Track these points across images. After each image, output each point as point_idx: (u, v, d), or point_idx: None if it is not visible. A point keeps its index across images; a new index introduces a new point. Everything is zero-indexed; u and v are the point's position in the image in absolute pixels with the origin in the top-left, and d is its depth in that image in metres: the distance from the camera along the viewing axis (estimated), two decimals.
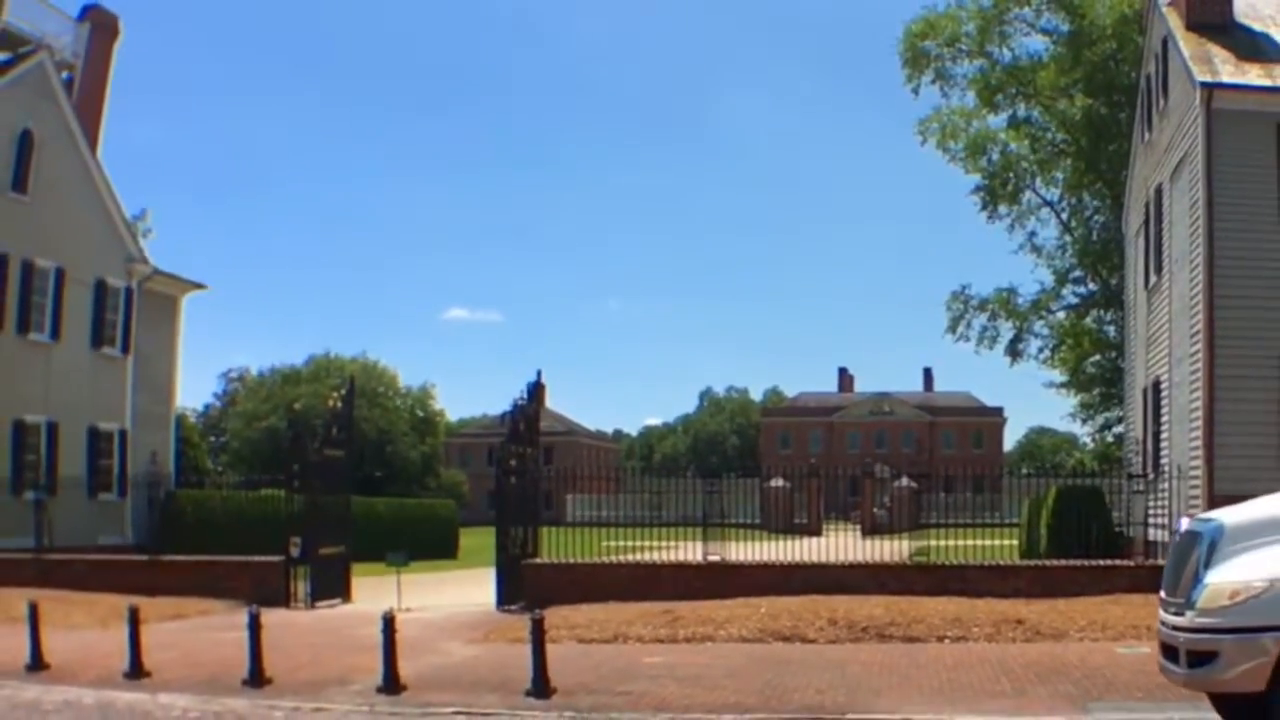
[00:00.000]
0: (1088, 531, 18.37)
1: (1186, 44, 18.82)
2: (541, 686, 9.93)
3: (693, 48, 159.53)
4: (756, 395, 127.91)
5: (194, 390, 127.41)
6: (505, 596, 17.11)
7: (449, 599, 18.39)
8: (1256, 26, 19.46)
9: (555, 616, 13.07)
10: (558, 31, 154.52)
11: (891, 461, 63.11)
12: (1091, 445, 47.30)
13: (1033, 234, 37.91)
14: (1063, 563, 17.03)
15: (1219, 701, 7.45)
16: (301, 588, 18.02)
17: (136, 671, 11.23)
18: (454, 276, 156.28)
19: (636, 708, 9.53)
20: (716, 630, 13.45)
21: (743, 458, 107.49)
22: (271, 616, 12.06)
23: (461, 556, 33.00)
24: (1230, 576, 6.79)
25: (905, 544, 19.89)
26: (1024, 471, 31.92)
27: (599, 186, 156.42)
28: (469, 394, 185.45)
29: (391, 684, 10.31)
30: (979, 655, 11.74)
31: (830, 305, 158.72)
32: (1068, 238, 37.32)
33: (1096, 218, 36.20)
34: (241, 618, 11.73)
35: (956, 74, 36.62)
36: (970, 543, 18.43)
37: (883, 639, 12.92)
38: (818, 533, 25.59)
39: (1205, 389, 17.37)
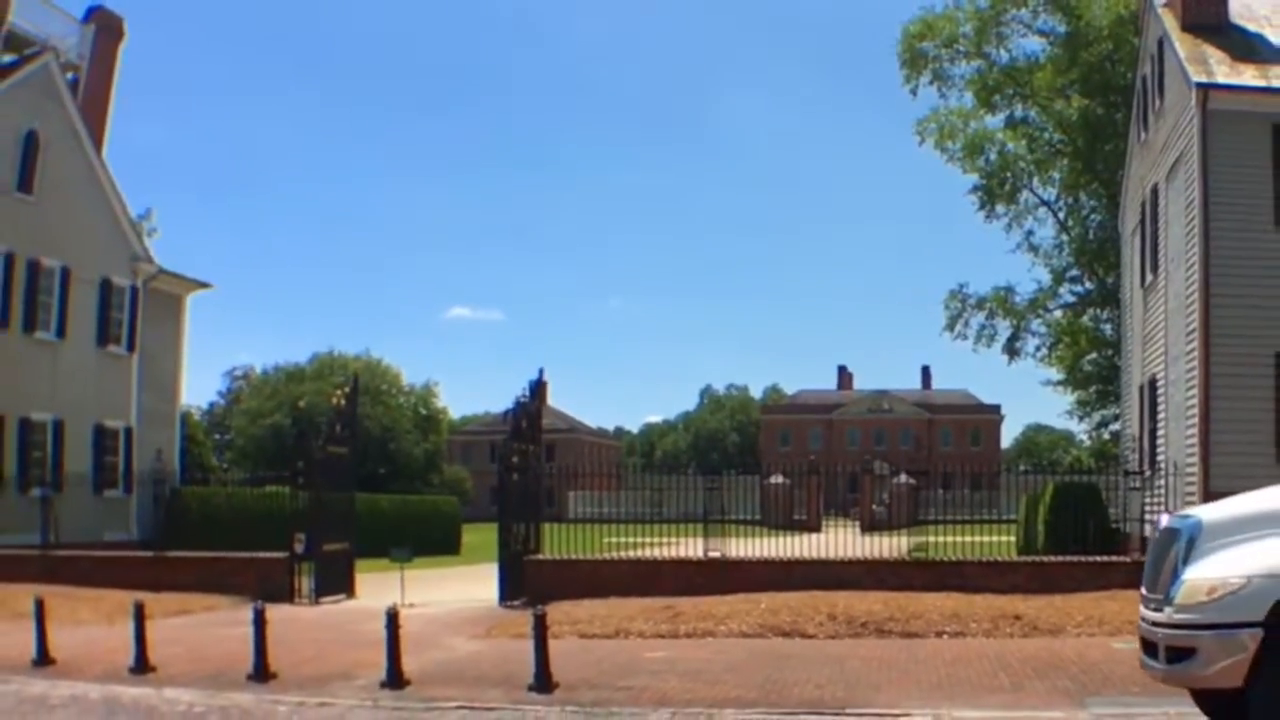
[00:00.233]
0: (1084, 528, 18.46)
1: (1182, 45, 18.86)
2: (544, 681, 9.96)
3: (693, 48, 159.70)
4: (756, 393, 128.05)
5: (199, 388, 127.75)
6: (508, 592, 17.14)
7: (452, 595, 18.39)
8: (1251, 27, 19.50)
9: (557, 612, 13.04)
10: (558, 32, 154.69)
11: (890, 458, 63.25)
12: (1088, 442, 47.45)
13: (1030, 233, 37.95)
14: (1060, 559, 17.08)
15: (1199, 696, 7.47)
16: (306, 583, 18.04)
17: (142, 667, 11.27)
18: (456, 275, 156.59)
19: (638, 702, 9.55)
20: (717, 625, 13.43)
21: (743, 455, 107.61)
22: (276, 612, 12.03)
23: (464, 553, 33.06)
24: (1208, 573, 6.77)
25: (904, 540, 19.88)
26: (1021, 468, 32.10)
27: (600, 186, 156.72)
28: (471, 392, 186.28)
29: (395, 679, 10.31)
30: (977, 650, 11.77)
31: (829, 304, 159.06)
32: (1064, 237, 37.34)
33: (1093, 217, 36.21)
34: (246, 613, 11.75)
35: (954, 75, 36.64)
36: (968, 539, 18.40)
37: (882, 634, 12.89)
38: (817, 529, 25.79)
39: (1201, 387, 17.43)
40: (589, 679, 10.42)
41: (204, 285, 32.78)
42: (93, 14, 29.70)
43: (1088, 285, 36.80)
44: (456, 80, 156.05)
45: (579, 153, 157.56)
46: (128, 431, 28.42)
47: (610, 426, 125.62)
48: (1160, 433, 20.50)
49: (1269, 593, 6.52)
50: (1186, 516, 7.30)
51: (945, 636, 12.78)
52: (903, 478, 38.80)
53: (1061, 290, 38.01)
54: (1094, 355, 36.82)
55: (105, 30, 29.84)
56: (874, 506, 37.82)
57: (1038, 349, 38.80)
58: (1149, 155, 22.31)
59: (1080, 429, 48.49)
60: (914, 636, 12.78)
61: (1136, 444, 23.00)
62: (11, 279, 25.11)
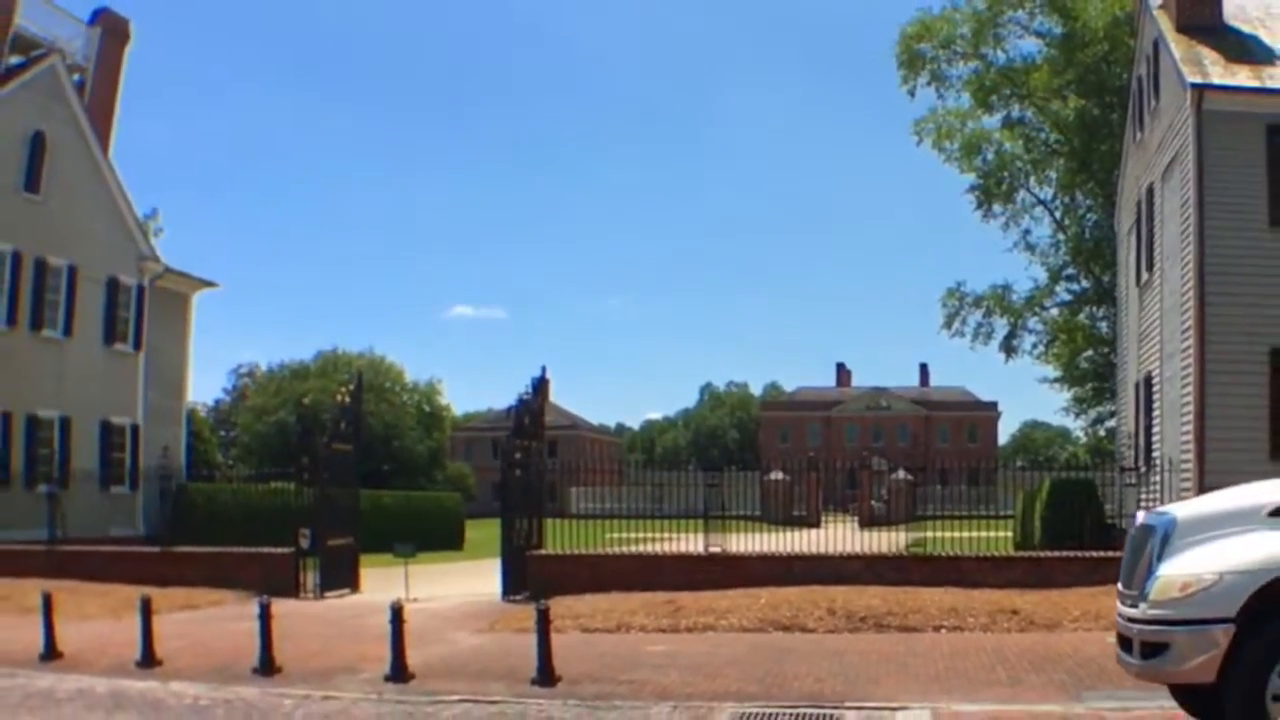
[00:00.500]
0: (1081, 523, 18.44)
1: (1177, 46, 18.97)
2: (547, 675, 10.02)
3: (693, 48, 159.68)
4: (756, 390, 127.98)
5: (205, 385, 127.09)
6: (510, 587, 17.23)
7: (455, 589, 18.46)
8: (1245, 29, 19.61)
9: (559, 606, 13.04)
10: (560, 32, 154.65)
11: (888, 455, 63.38)
12: (1084, 439, 47.70)
13: (1027, 232, 38.11)
14: (1056, 554, 17.09)
15: (1176, 691, 7.53)
16: (311, 578, 18.16)
17: (148, 660, 11.33)
18: (459, 274, 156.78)
19: (640, 696, 9.58)
20: (718, 620, 13.47)
21: (743, 451, 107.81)
22: (281, 606, 12.06)
23: (467, 548, 33.06)
24: (1181, 569, 6.77)
25: (902, 535, 19.96)
26: (1018, 465, 32.21)
27: (600, 185, 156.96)
28: (474, 389, 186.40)
29: (399, 672, 10.36)
30: (975, 644, 11.81)
31: (828, 302, 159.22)
32: (1061, 236, 37.47)
33: (1089, 216, 36.27)
34: (252, 608, 11.80)
35: (951, 75, 36.79)
36: (966, 534, 18.47)
37: (880, 628, 12.94)
38: (816, 524, 25.95)
39: (1196, 383, 17.55)
40: (591, 673, 10.46)
41: (210, 284, 32.89)
42: (99, 16, 29.81)
43: (1084, 283, 36.96)
44: (459, 80, 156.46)
45: (580, 152, 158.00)
46: (134, 428, 28.58)
47: (611, 423, 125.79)
48: (1156, 429, 20.59)
49: (1241, 589, 6.53)
50: (1161, 513, 7.31)
51: (943, 631, 12.79)
52: (901, 474, 39.00)
53: (1058, 288, 38.24)
54: (1090, 353, 37.01)
55: (111, 33, 29.95)
56: (872, 502, 38.00)
57: (1034, 346, 39.04)
58: (1144, 155, 22.40)
59: (1076, 425, 48.80)
60: (912, 631, 12.80)
61: (1132, 440, 23.08)
62: (19, 278, 25.26)
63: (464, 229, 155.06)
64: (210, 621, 14.89)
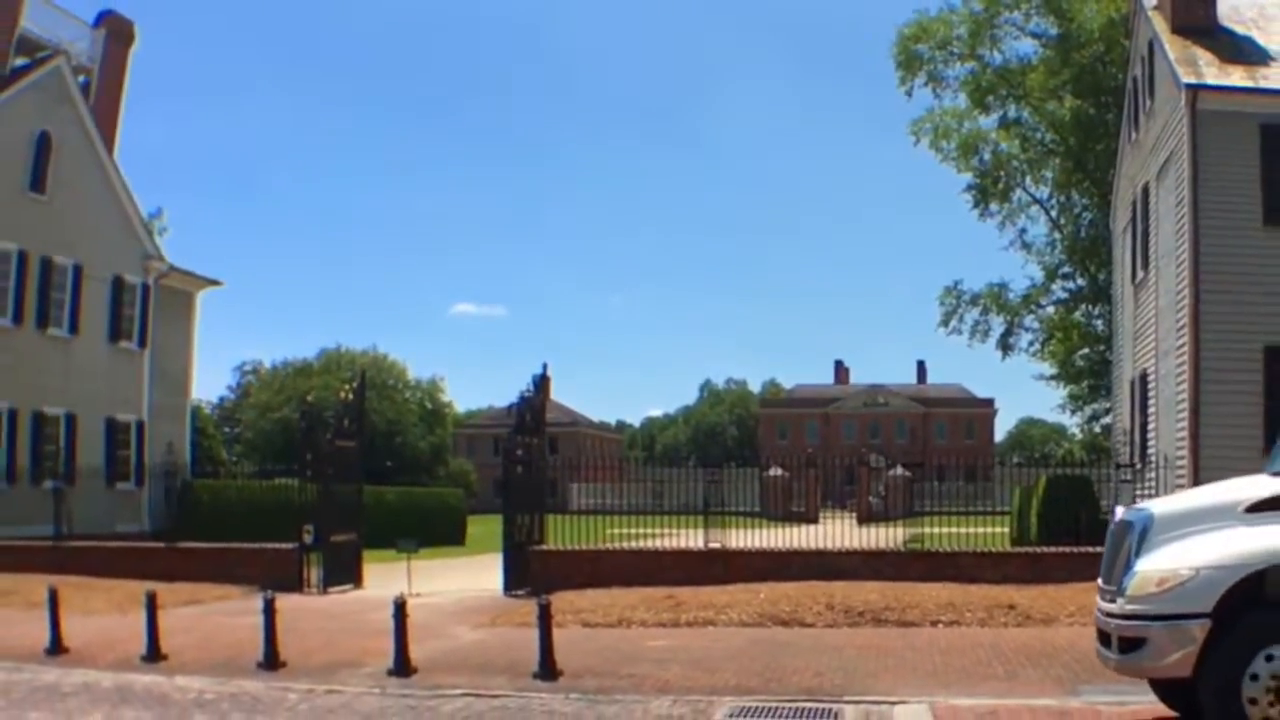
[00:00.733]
0: (1077, 519, 18.56)
1: (1172, 46, 19.05)
2: (548, 669, 10.06)
3: (692, 49, 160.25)
4: (755, 387, 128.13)
5: (209, 383, 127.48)
6: (512, 582, 17.25)
7: (458, 585, 18.41)
8: (1239, 29, 19.70)
9: (561, 601, 13.12)
10: (559, 32, 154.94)
11: (886, 451, 63.48)
12: (1080, 436, 47.87)
13: (1023, 231, 38.39)
14: (1053, 549, 17.15)
15: (1156, 686, 7.59)
16: (315, 574, 18.15)
17: (154, 655, 11.37)
18: (461, 272, 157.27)
19: (640, 690, 9.61)
20: (717, 615, 13.51)
21: (742, 448, 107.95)
22: (285, 601, 12.03)
23: (469, 544, 32.99)
24: (1158, 564, 6.81)
25: (900, 531, 20.11)
26: (1015, 461, 32.37)
27: (601, 184, 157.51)
28: (476, 386, 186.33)
29: (402, 667, 10.40)
30: (972, 639, 11.85)
31: (827, 300, 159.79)
32: (1057, 235, 37.65)
33: (1085, 215, 36.44)
34: (256, 603, 11.78)
35: (948, 76, 37.03)
36: (963, 530, 18.59)
37: (878, 623, 12.99)
38: (815, 520, 26.00)
39: (1191, 381, 17.62)
40: (592, 667, 10.49)
41: (214, 282, 33.04)
42: (104, 18, 29.97)
43: (1080, 282, 37.09)
44: (459, 81, 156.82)
45: (580, 151, 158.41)
46: (139, 425, 28.70)
47: (612, 420, 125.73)
48: (1151, 426, 20.65)
49: (1217, 584, 6.59)
50: (1140, 509, 7.36)
51: (941, 625, 12.83)
52: (898, 470, 39.15)
53: (1054, 287, 38.46)
54: (1086, 350, 37.19)
55: (116, 35, 30.08)
56: (870, 498, 38.00)
57: (1031, 344, 39.29)
58: (1140, 155, 22.49)
59: (1072, 423, 49.08)
60: (910, 625, 12.84)
61: (1128, 437, 23.15)
62: (25, 277, 25.41)
63: (466, 228, 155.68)
64: (215, 616, 14.88)
